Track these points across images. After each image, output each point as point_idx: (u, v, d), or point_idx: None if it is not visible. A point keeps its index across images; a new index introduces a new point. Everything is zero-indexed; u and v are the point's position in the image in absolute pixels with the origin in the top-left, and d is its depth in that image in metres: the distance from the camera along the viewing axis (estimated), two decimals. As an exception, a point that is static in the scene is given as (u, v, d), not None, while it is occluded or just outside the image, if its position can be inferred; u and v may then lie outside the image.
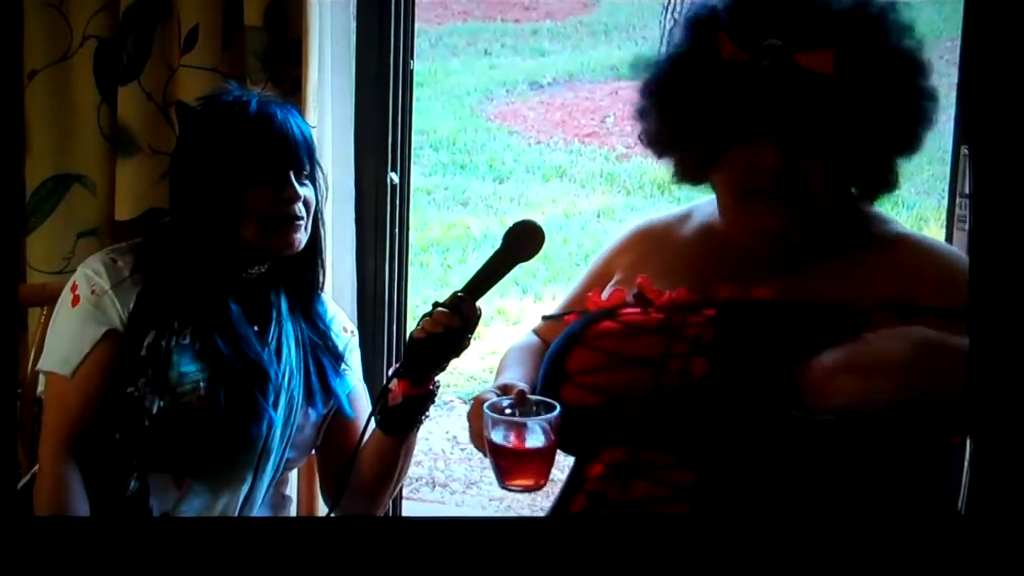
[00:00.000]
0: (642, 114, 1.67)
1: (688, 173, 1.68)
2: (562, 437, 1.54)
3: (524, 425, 1.54)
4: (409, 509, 3.22)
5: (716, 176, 1.63)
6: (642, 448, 1.53)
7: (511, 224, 1.72)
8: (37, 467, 1.81)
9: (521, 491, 1.57)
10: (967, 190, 2.06)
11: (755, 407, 1.46)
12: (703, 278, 1.63)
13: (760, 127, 1.54)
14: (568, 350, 1.62)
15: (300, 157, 1.82)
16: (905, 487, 1.52)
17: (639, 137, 1.70)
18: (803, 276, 1.58)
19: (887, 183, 1.63)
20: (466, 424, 1.70)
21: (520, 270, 1.72)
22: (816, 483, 1.47)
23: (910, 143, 1.59)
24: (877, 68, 1.55)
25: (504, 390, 1.62)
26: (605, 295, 1.71)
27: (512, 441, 1.53)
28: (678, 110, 1.62)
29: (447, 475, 4.27)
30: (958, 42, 2.08)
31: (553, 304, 1.87)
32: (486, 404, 1.56)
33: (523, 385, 1.63)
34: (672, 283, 1.64)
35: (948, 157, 2.15)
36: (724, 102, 1.56)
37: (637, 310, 1.63)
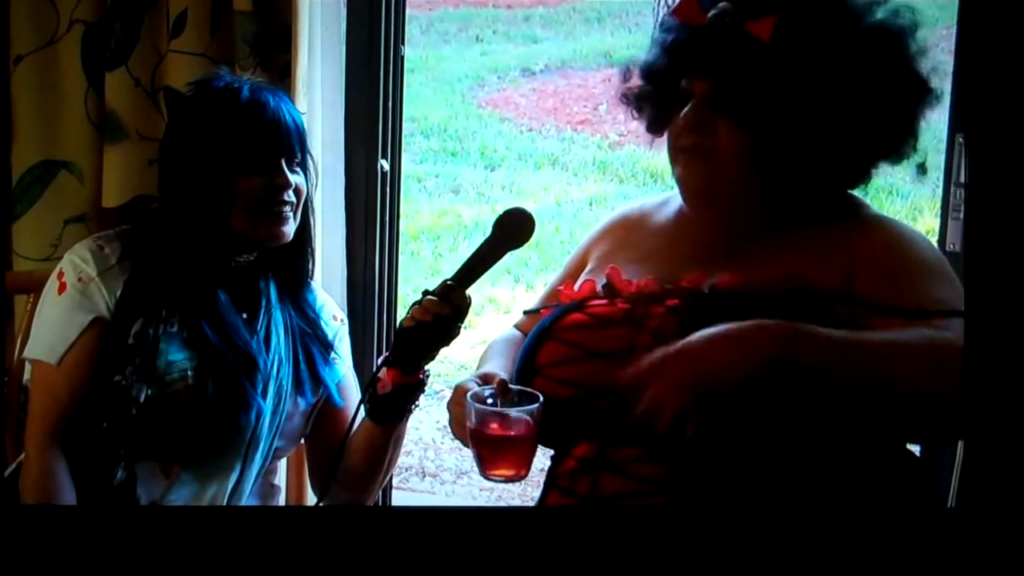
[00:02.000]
0: (624, 74, 1.73)
1: (652, 132, 1.73)
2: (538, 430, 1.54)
3: (505, 415, 1.53)
4: (399, 499, 3.22)
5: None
6: (611, 442, 1.52)
7: (502, 211, 1.71)
8: (23, 456, 1.80)
9: (502, 481, 1.57)
10: (962, 179, 2.05)
11: (723, 403, 1.45)
12: (672, 266, 1.63)
13: (695, 86, 1.59)
14: (538, 344, 1.62)
15: (292, 144, 1.81)
16: (887, 480, 1.51)
17: (620, 96, 1.74)
18: (766, 261, 1.58)
19: (829, 166, 1.60)
20: (455, 413, 1.69)
21: (511, 258, 1.72)
22: (786, 474, 1.46)
23: (847, 127, 1.56)
24: (816, 43, 1.54)
25: (485, 379, 1.62)
26: (577, 285, 1.71)
27: (494, 431, 1.53)
28: (642, 66, 1.69)
29: (437, 465, 4.27)
30: (953, 30, 2.07)
31: (542, 293, 1.87)
32: (468, 394, 1.56)
33: (503, 374, 1.63)
34: (643, 272, 1.64)
35: (943, 146, 2.14)
36: (675, 62, 1.62)
37: (605, 301, 1.63)
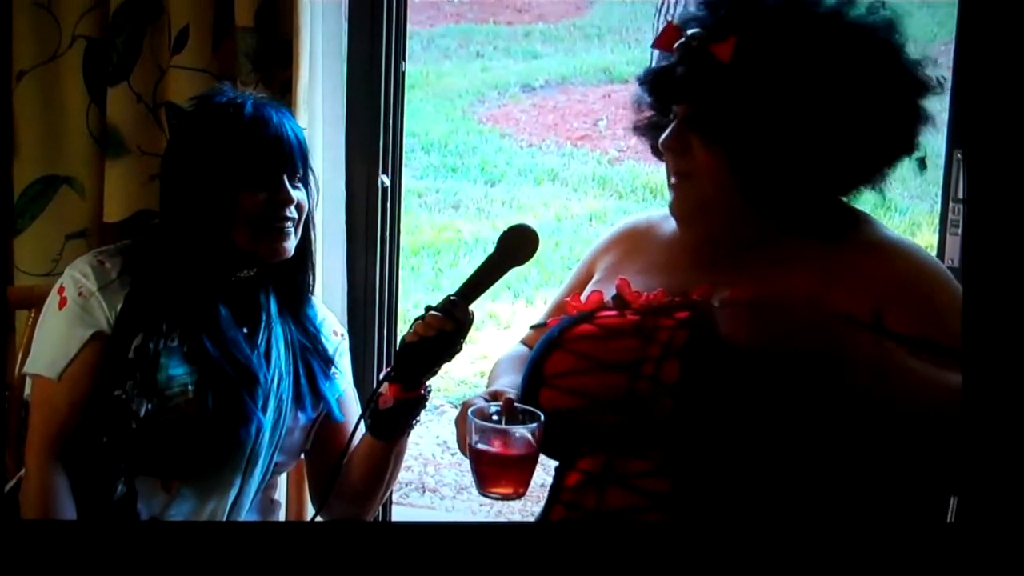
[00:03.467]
0: (637, 105, 1.75)
1: (656, 155, 1.73)
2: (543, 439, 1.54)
3: (506, 432, 1.53)
4: (399, 514, 3.21)
5: None
6: (617, 456, 1.52)
7: (505, 228, 1.71)
8: (23, 470, 1.80)
9: (500, 498, 1.56)
10: (960, 195, 2.06)
11: (728, 413, 1.45)
12: (681, 278, 1.63)
13: (673, 110, 1.63)
14: (546, 353, 1.62)
15: (294, 160, 1.81)
16: (887, 494, 1.51)
17: (632, 128, 1.77)
18: (777, 274, 1.58)
19: (810, 173, 1.59)
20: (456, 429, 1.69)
21: (511, 274, 1.72)
22: (788, 490, 1.46)
23: (819, 134, 1.56)
24: (780, 63, 1.55)
25: (493, 397, 1.62)
26: (584, 296, 1.71)
27: (493, 447, 1.53)
28: (638, 99, 1.72)
29: (437, 480, 4.27)
30: (952, 46, 2.08)
31: (544, 309, 1.87)
32: (471, 409, 1.56)
33: (512, 393, 1.63)
34: (651, 284, 1.65)
35: (941, 162, 2.15)
36: (655, 90, 1.65)
37: (615, 312, 1.63)
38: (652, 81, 1.64)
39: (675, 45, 1.60)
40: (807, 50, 1.55)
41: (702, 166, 1.59)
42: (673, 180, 1.64)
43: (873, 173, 1.62)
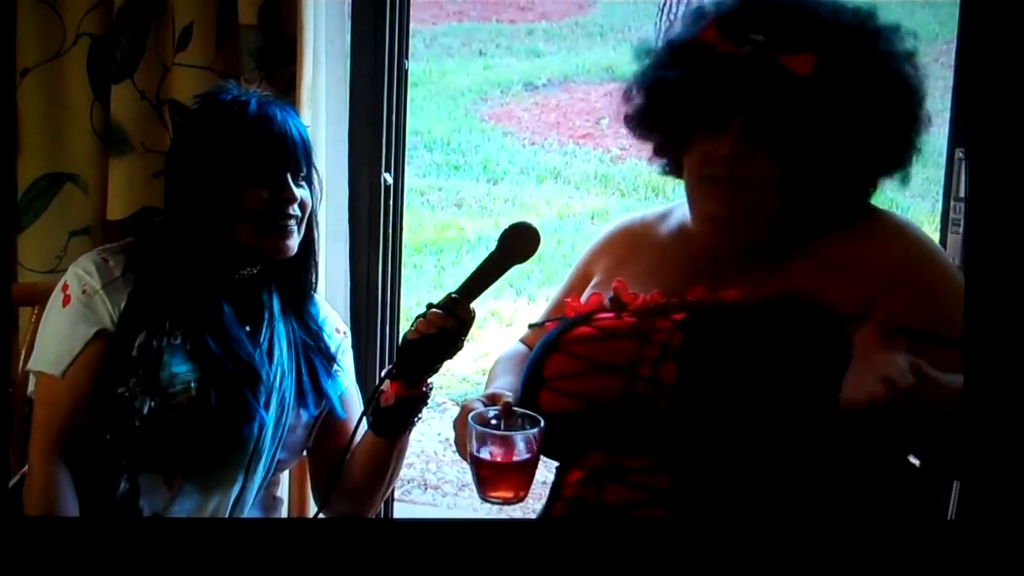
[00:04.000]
0: (627, 94, 1.69)
1: (661, 155, 1.71)
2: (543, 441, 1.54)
3: (506, 438, 1.54)
4: (400, 511, 3.22)
5: (684, 160, 1.65)
6: (618, 453, 1.52)
7: (507, 226, 1.71)
8: (27, 467, 1.81)
9: (500, 503, 1.56)
10: (962, 193, 2.06)
11: (725, 412, 1.46)
12: (678, 280, 1.63)
13: (730, 117, 1.57)
14: (545, 356, 1.63)
15: (298, 159, 1.81)
16: (888, 492, 1.52)
17: (623, 117, 1.71)
18: (773, 275, 1.58)
19: (858, 193, 1.63)
20: (458, 427, 1.69)
21: (513, 271, 1.72)
22: (789, 486, 1.46)
23: (884, 160, 1.60)
24: (857, 81, 1.55)
25: (491, 399, 1.62)
26: (584, 298, 1.71)
27: (494, 453, 1.53)
28: (658, 90, 1.65)
29: (439, 477, 4.27)
30: (954, 44, 2.08)
31: (545, 307, 1.88)
32: (471, 414, 1.56)
33: (510, 396, 1.63)
34: (648, 285, 1.64)
35: (942, 160, 2.15)
36: (699, 87, 1.59)
37: (612, 315, 1.63)
38: (711, 85, 1.58)
39: (734, 47, 1.57)
40: (874, 73, 1.56)
41: (761, 177, 1.57)
42: (715, 185, 1.60)
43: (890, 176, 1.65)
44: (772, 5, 1.60)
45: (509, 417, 1.57)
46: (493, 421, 1.56)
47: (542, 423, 1.54)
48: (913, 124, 1.60)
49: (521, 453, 1.53)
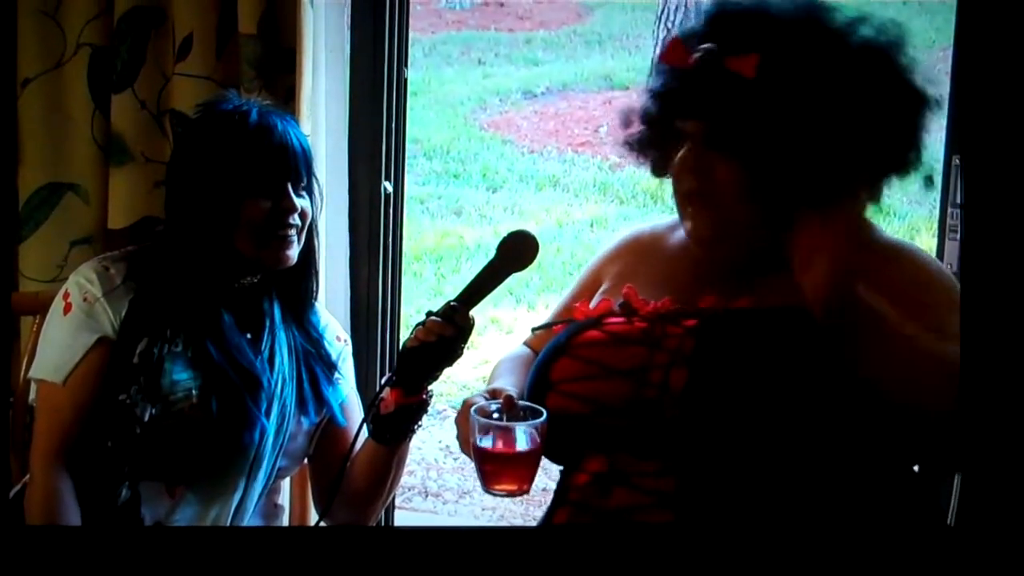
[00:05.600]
0: (625, 121, 1.72)
1: (657, 175, 1.73)
2: (547, 445, 1.55)
3: (509, 430, 1.54)
4: (401, 518, 3.22)
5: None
6: (624, 457, 1.53)
7: (505, 234, 1.72)
8: (28, 476, 1.81)
9: (504, 495, 1.57)
10: (959, 200, 2.06)
11: (734, 419, 1.46)
12: (689, 288, 1.64)
13: (686, 127, 1.59)
14: (553, 359, 1.63)
15: (299, 168, 1.82)
16: (890, 497, 1.52)
17: (623, 144, 1.73)
18: (783, 284, 1.58)
19: (830, 188, 1.57)
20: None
21: (513, 279, 1.73)
22: (792, 490, 1.47)
23: (841, 149, 1.55)
24: (801, 73, 1.54)
25: (493, 395, 1.62)
26: (593, 304, 1.72)
27: (497, 445, 1.54)
28: (641, 114, 1.68)
29: (440, 485, 4.27)
30: (950, 52, 2.09)
31: (546, 314, 1.88)
32: (473, 407, 1.56)
33: (512, 390, 1.63)
34: (659, 292, 1.65)
35: (939, 167, 2.15)
36: (666, 106, 1.62)
37: (622, 320, 1.64)
38: (666, 97, 1.61)
39: (690, 60, 1.58)
40: (824, 66, 1.55)
41: (722, 185, 1.58)
42: (689, 202, 1.61)
43: (878, 182, 1.62)
44: (728, 15, 1.61)
45: (511, 410, 1.57)
46: (495, 414, 1.57)
47: (544, 415, 1.54)
48: (878, 123, 1.56)
49: (524, 444, 1.53)
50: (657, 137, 1.66)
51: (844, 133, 1.54)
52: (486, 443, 1.54)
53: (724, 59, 1.55)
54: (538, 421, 1.54)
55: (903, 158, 1.60)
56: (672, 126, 1.62)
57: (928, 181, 1.63)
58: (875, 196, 1.63)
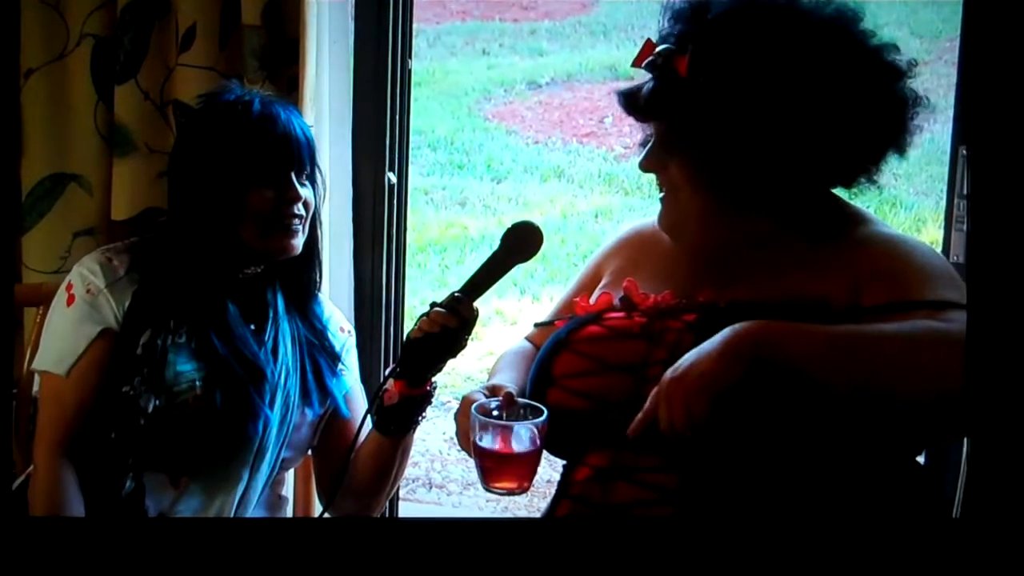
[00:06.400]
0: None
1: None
2: (548, 440, 1.55)
3: (510, 428, 1.54)
4: (406, 510, 3.22)
5: None
6: (625, 451, 1.52)
7: (509, 225, 1.71)
8: (32, 467, 1.81)
9: (504, 493, 1.57)
10: (965, 191, 2.05)
11: (734, 413, 1.46)
12: (689, 282, 1.64)
13: (651, 128, 1.64)
14: (554, 354, 1.63)
15: (302, 158, 1.81)
16: (894, 490, 1.52)
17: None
18: (781, 276, 1.58)
19: (782, 177, 1.59)
20: (462, 425, 1.69)
21: (518, 271, 1.72)
22: (795, 484, 1.46)
23: (781, 137, 1.55)
24: (727, 66, 1.55)
25: (492, 391, 1.63)
26: (593, 298, 1.72)
27: (497, 443, 1.53)
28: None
29: (444, 476, 4.27)
30: (957, 43, 2.08)
31: (550, 305, 1.88)
32: (473, 405, 1.56)
33: (511, 387, 1.63)
34: (660, 287, 1.65)
35: (947, 158, 2.15)
36: (630, 109, 1.66)
37: (622, 314, 1.63)
38: (624, 102, 1.66)
39: (643, 63, 1.62)
40: (760, 50, 1.55)
41: (680, 180, 1.61)
42: (660, 195, 1.66)
43: (857, 165, 1.62)
44: (678, 14, 1.63)
45: (511, 407, 1.57)
46: (495, 412, 1.57)
47: (545, 413, 1.54)
48: (825, 105, 1.54)
49: (524, 442, 1.53)
50: (645, 139, 1.70)
51: (781, 119, 1.54)
52: (486, 441, 1.54)
53: (673, 59, 1.59)
54: (539, 420, 1.53)
55: (867, 137, 1.59)
56: (643, 125, 1.68)
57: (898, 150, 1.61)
58: (843, 179, 1.63)
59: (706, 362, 1.41)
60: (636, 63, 1.64)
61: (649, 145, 1.65)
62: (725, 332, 1.43)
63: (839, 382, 1.41)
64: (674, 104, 1.58)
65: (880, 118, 1.59)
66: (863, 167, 1.61)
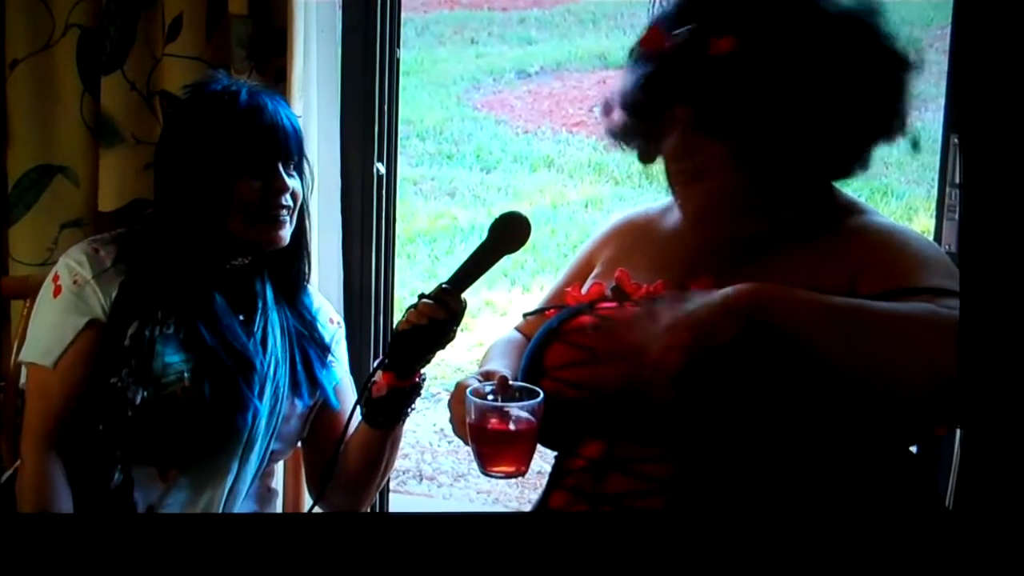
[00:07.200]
0: (605, 109, 1.70)
1: (645, 161, 1.71)
2: (541, 431, 1.54)
3: (506, 411, 1.53)
4: (396, 502, 3.21)
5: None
6: (620, 442, 1.52)
7: (497, 215, 1.71)
8: (20, 460, 1.80)
9: (503, 477, 1.57)
10: (957, 180, 2.05)
11: (728, 402, 1.45)
12: (681, 272, 1.63)
13: (673, 111, 1.59)
14: (546, 345, 1.62)
15: (290, 148, 1.81)
16: (887, 481, 1.51)
17: (607, 133, 1.71)
18: (774, 266, 1.58)
19: (819, 159, 1.59)
20: (454, 416, 1.69)
21: (508, 261, 1.72)
22: (789, 475, 1.46)
23: (827, 119, 1.55)
24: (780, 48, 1.54)
25: (486, 376, 1.62)
26: (585, 288, 1.71)
27: (494, 426, 1.53)
28: (623, 102, 1.66)
29: (434, 468, 4.27)
30: (948, 30, 2.07)
31: (540, 296, 1.87)
32: (468, 389, 1.55)
33: (506, 372, 1.63)
34: (652, 276, 1.64)
35: (938, 147, 2.14)
36: (651, 92, 1.60)
37: (614, 304, 1.63)
38: (648, 84, 1.60)
39: (668, 45, 1.57)
40: (803, 39, 1.54)
41: (713, 165, 1.57)
42: (684, 185, 1.62)
43: (868, 153, 1.62)
44: None
45: (506, 391, 1.57)
46: (490, 396, 1.56)
47: (541, 394, 1.53)
48: (867, 83, 1.56)
49: (521, 425, 1.52)
50: (643, 124, 1.65)
51: (824, 104, 1.54)
52: (483, 425, 1.53)
53: (703, 40, 1.55)
54: (535, 402, 1.53)
55: (887, 123, 1.59)
56: (658, 112, 1.61)
57: (914, 145, 1.62)
58: (864, 165, 1.63)
59: (704, 310, 1.43)
60: (649, 44, 1.60)
61: (676, 132, 1.59)
62: (725, 289, 1.44)
63: (834, 350, 1.41)
64: (716, 86, 1.54)
65: (893, 106, 1.59)
66: (869, 154, 1.62)
